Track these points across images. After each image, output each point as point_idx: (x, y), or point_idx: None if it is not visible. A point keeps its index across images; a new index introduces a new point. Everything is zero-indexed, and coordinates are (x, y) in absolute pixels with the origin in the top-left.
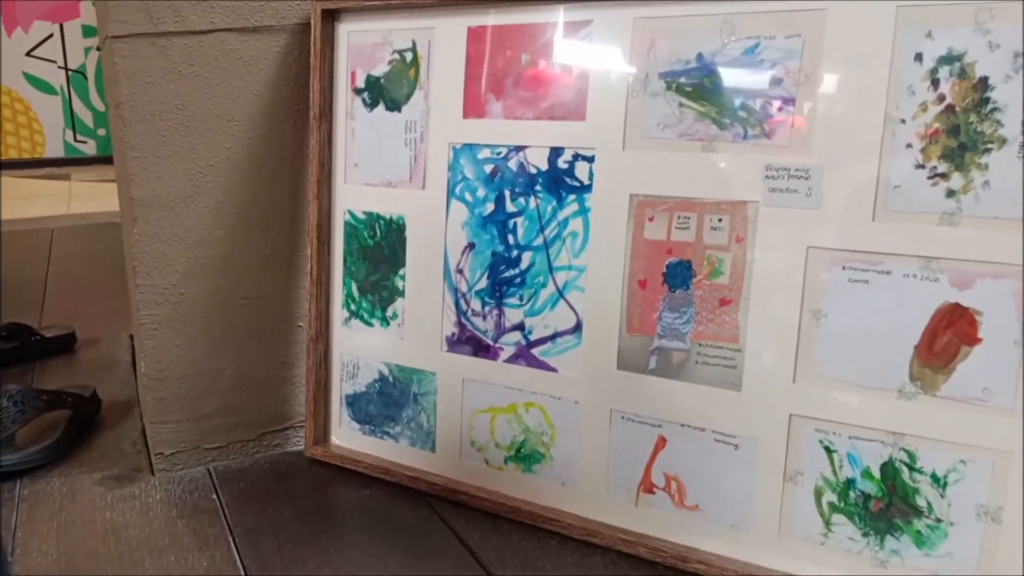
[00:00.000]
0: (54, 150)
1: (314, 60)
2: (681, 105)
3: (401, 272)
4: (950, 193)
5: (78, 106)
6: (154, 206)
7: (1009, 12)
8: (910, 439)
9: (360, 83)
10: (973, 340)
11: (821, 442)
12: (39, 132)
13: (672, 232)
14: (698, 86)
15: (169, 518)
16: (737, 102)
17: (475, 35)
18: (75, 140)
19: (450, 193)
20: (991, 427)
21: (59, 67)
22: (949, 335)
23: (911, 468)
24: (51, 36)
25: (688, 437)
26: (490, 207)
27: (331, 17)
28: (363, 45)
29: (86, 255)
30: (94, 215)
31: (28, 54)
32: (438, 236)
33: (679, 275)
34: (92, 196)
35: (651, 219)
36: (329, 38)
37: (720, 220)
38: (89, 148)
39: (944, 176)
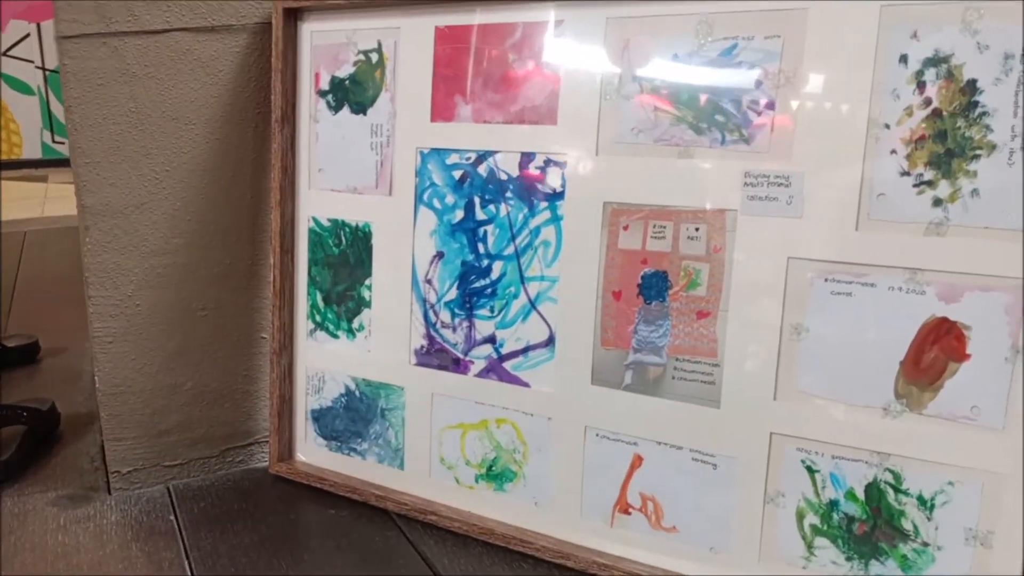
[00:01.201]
0: (31, 151)
1: (275, 61)
2: (656, 109)
3: (368, 282)
4: (937, 202)
5: (56, 106)
6: (107, 214)
7: (999, 12)
8: (896, 459)
9: (324, 85)
10: (961, 356)
11: (803, 462)
12: (16, 133)
13: (647, 241)
14: (674, 89)
15: (124, 541)
16: (714, 106)
17: (443, 35)
18: (52, 141)
19: (418, 200)
20: (980, 447)
21: (36, 67)
22: (936, 351)
23: (897, 489)
24: (28, 36)
25: (665, 456)
26: (459, 214)
27: (293, 16)
28: (327, 45)
29: (57, 260)
30: (68, 218)
31: (4, 54)
32: (405, 244)
33: (655, 286)
34: (68, 198)
35: (626, 228)
36: (291, 38)
37: (697, 229)
38: (67, 149)
39: (930, 184)
